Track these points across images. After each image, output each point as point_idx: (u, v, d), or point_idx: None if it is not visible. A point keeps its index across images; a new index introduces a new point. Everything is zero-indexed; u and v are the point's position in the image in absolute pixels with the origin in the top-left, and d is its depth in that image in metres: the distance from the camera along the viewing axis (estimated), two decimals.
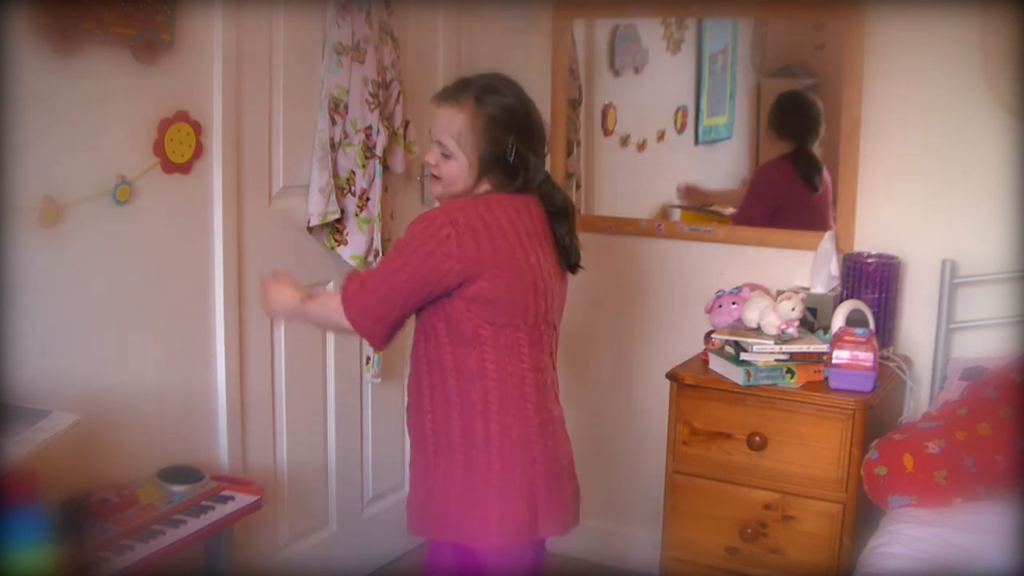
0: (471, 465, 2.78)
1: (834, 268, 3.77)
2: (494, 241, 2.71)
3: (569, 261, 2.93)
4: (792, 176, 4.13)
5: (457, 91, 2.82)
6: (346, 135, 3.80)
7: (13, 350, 2.82)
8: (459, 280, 2.69)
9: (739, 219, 4.20)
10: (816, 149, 4.04)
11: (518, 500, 2.78)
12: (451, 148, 2.78)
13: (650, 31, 4.29)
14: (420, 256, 2.69)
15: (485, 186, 2.81)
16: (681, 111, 4.32)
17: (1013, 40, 3.49)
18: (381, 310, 2.75)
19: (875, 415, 3.43)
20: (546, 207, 2.86)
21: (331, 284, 3.98)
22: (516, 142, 2.77)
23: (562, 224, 2.90)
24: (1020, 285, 3.64)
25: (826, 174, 3.98)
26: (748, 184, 4.27)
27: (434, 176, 2.88)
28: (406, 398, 2.96)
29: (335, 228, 3.86)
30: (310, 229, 3.80)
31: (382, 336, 2.79)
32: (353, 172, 3.83)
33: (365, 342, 4.04)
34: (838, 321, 3.56)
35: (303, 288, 3.01)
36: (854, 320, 3.58)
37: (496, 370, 2.76)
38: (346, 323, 2.77)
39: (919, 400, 3.77)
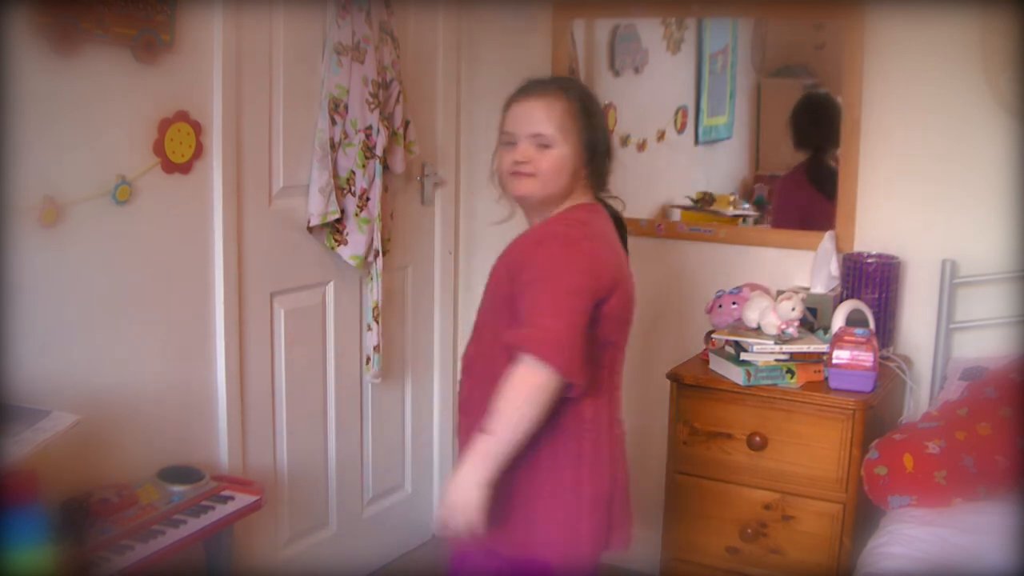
0: (563, 480, 2.68)
1: (834, 268, 3.78)
2: (615, 254, 2.70)
3: None
4: (806, 187, 4.13)
5: (540, 86, 2.74)
6: (346, 135, 3.80)
7: (13, 350, 2.82)
8: (607, 294, 2.59)
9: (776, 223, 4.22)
10: (832, 158, 3.99)
11: (602, 515, 2.73)
12: (552, 136, 2.65)
13: (650, 31, 4.29)
14: (578, 273, 2.54)
15: (580, 182, 2.72)
16: (681, 111, 4.32)
17: (1013, 40, 3.49)
18: (572, 340, 2.48)
19: (875, 415, 3.44)
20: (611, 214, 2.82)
21: (331, 284, 3.98)
22: (606, 134, 2.76)
23: (622, 233, 2.86)
24: (1020, 285, 3.64)
25: None
26: (772, 199, 4.27)
27: (524, 175, 2.67)
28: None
29: (335, 228, 3.86)
30: (310, 229, 3.80)
31: (581, 371, 2.50)
32: (353, 172, 3.83)
33: (377, 336, 4.06)
34: (838, 321, 3.56)
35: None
36: (854, 320, 3.58)
37: (595, 389, 2.68)
38: (541, 380, 2.45)
39: (919, 400, 3.77)
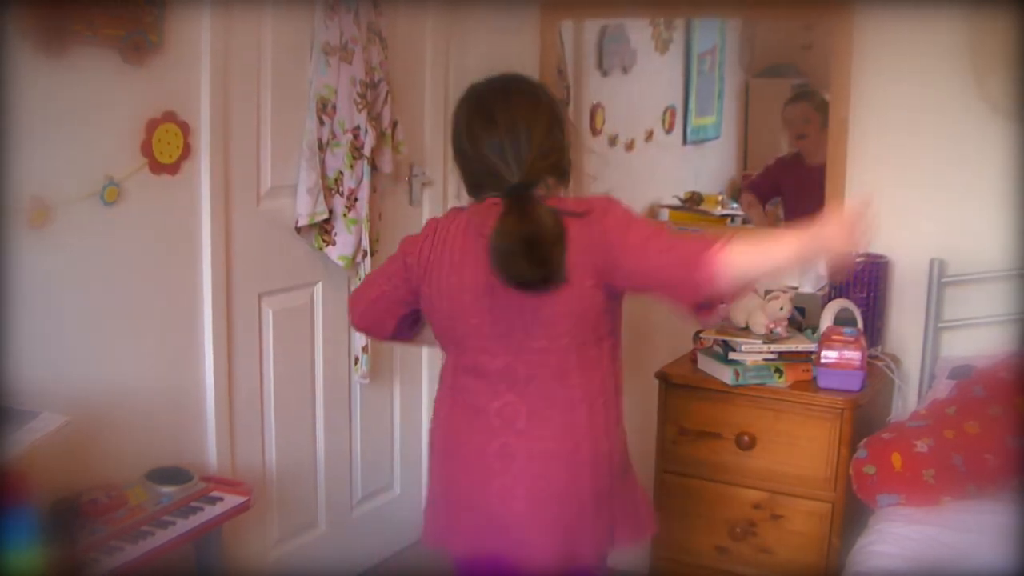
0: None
1: (822, 267, 3.78)
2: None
3: None
4: (800, 166, 4.13)
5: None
6: (334, 135, 3.80)
7: (4, 351, 2.82)
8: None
9: (749, 184, 4.24)
10: None
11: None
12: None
13: (638, 31, 4.29)
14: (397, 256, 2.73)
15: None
16: (669, 111, 4.33)
17: (1002, 41, 3.50)
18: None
19: (863, 414, 3.44)
20: None
21: (319, 284, 3.98)
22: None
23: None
24: (1008, 284, 3.65)
25: None
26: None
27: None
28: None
29: (323, 228, 3.86)
30: (298, 229, 3.79)
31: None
32: (341, 172, 3.83)
33: (365, 337, 4.06)
34: (826, 320, 3.57)
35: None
36: (842, 319, 3.59)
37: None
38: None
39: (907, 399, 3.78)
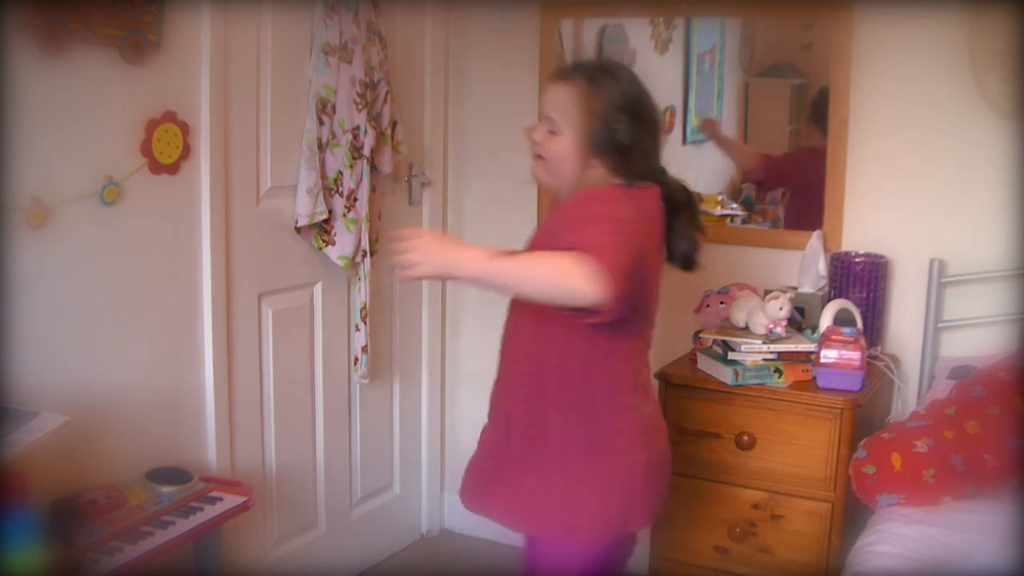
0: None
1: (822, 267, 3.78)
2: (652, 229, 2.67)
3: (687, 257, 2.82)
4: (816, 164, 4.11)
5: (571, 71, 2.71)
6: (334, 135, 3.80)
7: (3, 352, 2.82)
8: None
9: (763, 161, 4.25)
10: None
11: None
12: (559, 124, 2.63)
13: (638, 31, 4.29)
14: (628, 216, 2.52)
15: (597, 170, 2.66)
16: (669, 111, 4.31)
17: (1001, 40, 3.50)
18: (626, 262, 2.37)
19: (863, 414, 3.44)
20: (666, 200, 2.72)
21: (319, 284, 3.98)
22: (630, 125, 2.64)
23: (683, 217, 2.77)
24: (1008, 284, 3.65)
25: None
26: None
27: (538, 156, 2.70)
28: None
29: (323, 229, 3.85)
30: (298, 230, 3.79)
31: (624, 295, 2.37)
32: (341, 172, 3.83)
33: (365, 337, 4.05)
34: (826, 320, 3.57)
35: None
36: (842, 319, 3.58)
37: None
38: (580, 280, 2.28)
39: (907, 399, 3.78)
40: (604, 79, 2.67)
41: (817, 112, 3.98)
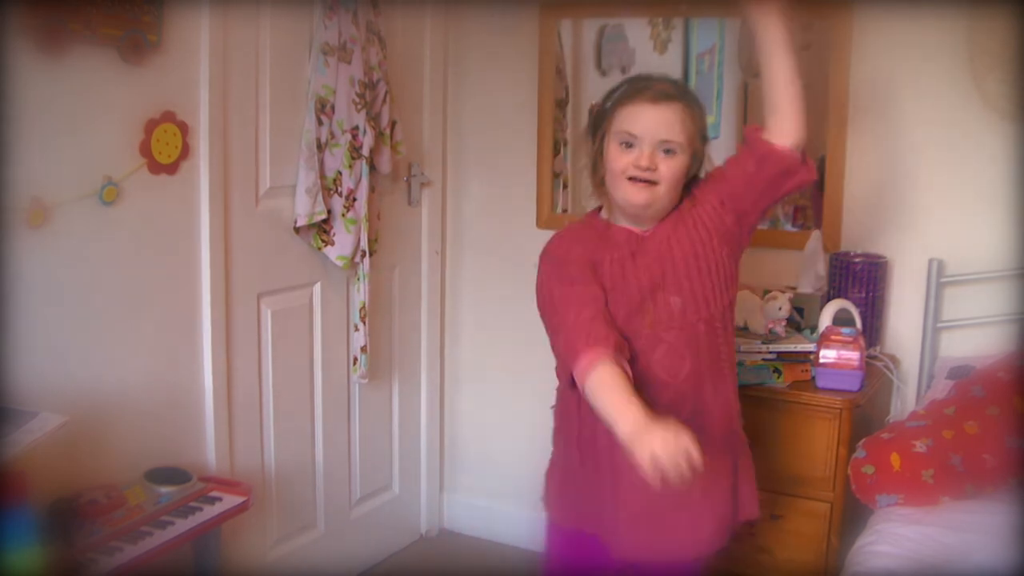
0: None
1: (821, 268, 3.78)
2: None
3: None
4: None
5: (666, 90, 2.70)
6: (333, 135, 3.80)
7: (3, 352, 2.82)
8: None
9: None
10: None
11: None
12: (680, 145, 2.65)
13: (637, 31, 4.28)
14: None
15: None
16: None
17: (1000, 41, 3.50)
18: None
19: (862, 414, 3.44)
20: None
21: (318, 284, 3.98)
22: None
23: None
24: (1007, 284, 3.65)
25: None
26: None
27: (645, 182, 2.64)
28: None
29: (322, 229, 3.85)
30: (297, 230, 3.79)
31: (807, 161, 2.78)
32: (340, 173, 3.83)
33: (364, 336, 4.05)
34: (825, 320, 3.57)
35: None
36: (841, 319, 3.58)
37: None
38: (804, 121, 2.76)
39: (906, 399, 3.78)
40: (696, 98, 2.78)
41: None
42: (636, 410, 2.37)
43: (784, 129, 2.68)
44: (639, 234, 2.74)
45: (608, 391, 2.45)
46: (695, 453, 2.26)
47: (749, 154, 2.73)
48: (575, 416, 2.79)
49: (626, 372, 2.49)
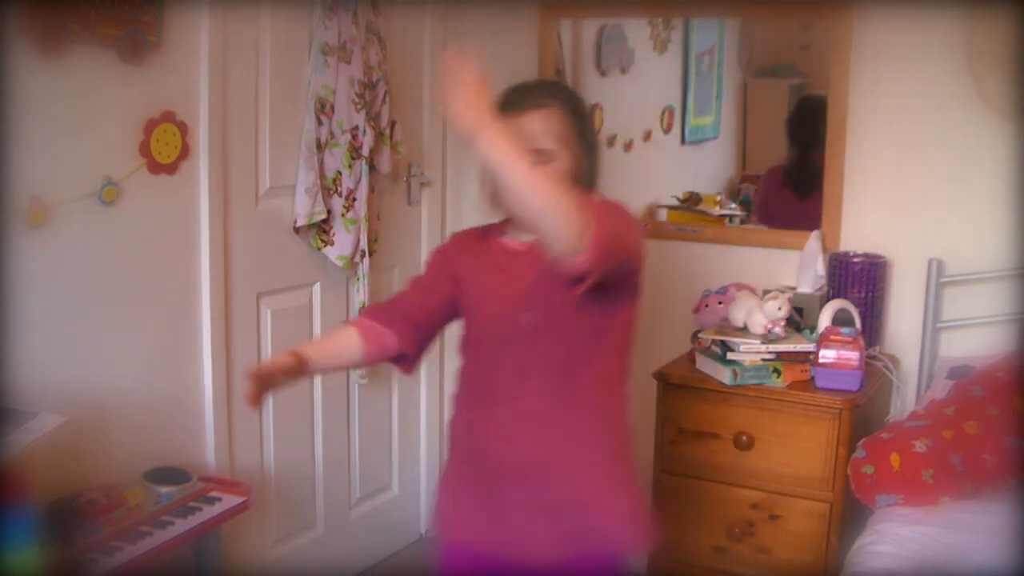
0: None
1: (820, 267, 3.78)
2: None
3: None
4: (778, 180, 4.16)
5: (532, 96, 2.60)
6: (332, 136, 3.80)
7: (2, 352, 2.82)
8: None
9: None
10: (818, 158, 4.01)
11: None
12: (554, 150, 2.54)
13: (637, 31, 4.29)
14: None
15: (578, 185, 2.59)
16: (668, 111, 4.32)
17: (999, 41, 3.50)
18: (621, 237, 2.38)
19: (862, 414, 3.44)
20: None
21: (318, 284, 3.98)
22: (594, 135, 2.69)
23: None
24: (1006, 284, 3.65)
25: None
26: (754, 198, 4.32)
27: None
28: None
29: (321, 229, 3.86)
30: (296, 230, 3.79)
31: (604, 261, 2.29)
32: (340, 173, 3.83)
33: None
34: (824, 320, 3.57)
35: None
36: (840, 319, 3.59)
37: None
38: (570, 221, 2.21)
39: (906, 399, 3.78)
40: (570, 95, 2.67)
41: None
42: (295, 350, 2.49)
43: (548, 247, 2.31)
44: (513, 248, 2.66)
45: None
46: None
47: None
48: (459, 425, 2.76)
49: (360, 337, 2.60)
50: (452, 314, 2.72)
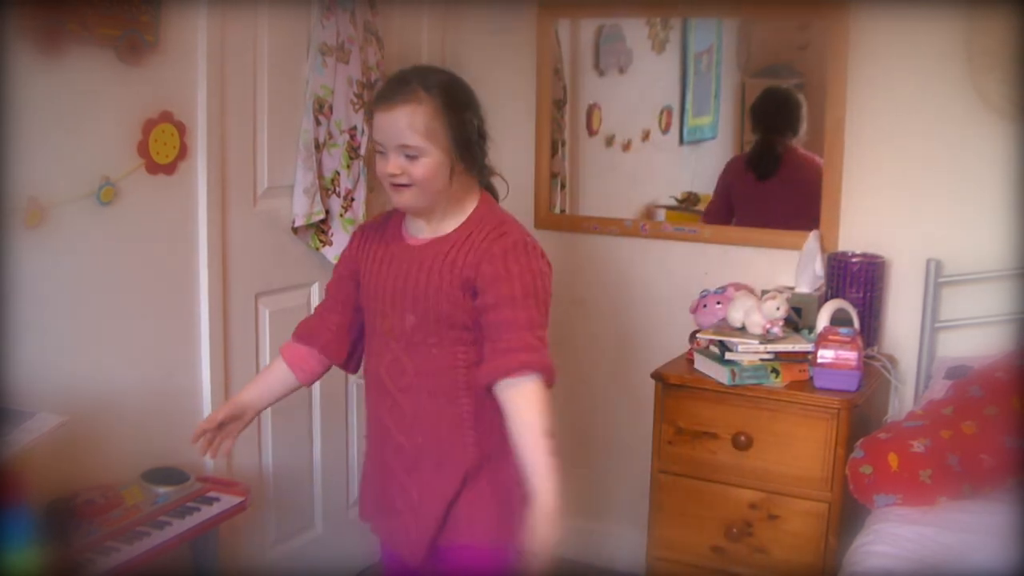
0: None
1: (819, 267, 3.78)
2: None
3: None
4: (740, 165, 4.18)
5: (401, 89, 2.58)
6: (331, 136, 3.80)
7: (1, 352, 2.82)
8: None
9: (707, 217, 4.24)
10: (795, 145, 4.09)
11: None
12: (420, 146, 2.53)
13: (635, 31, 4.29)
14: (547, 279, 2.61)
15: (458, 177, 2.61)
16: (666, 111, 4.32)
17: (998, 40, 3.50)
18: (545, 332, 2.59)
19: (860, 414, 3.44)
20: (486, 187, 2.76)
21: (316, 285, 3.98)
22: (477, 118, 2.64)
23: None
24: (1005, 284, 3.65)
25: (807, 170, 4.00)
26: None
27: (400, 185, 2.57)
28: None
29: (320, 229, 3.86)
30: (295, 230, 3.79)
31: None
32: (338, 173, 3.83)
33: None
34: (823, 320, 3.57)
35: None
36: (839, 319, 3.59)
37: None
38: (546, 395, 2.51)
39: (904, 399, 3.78)
40: (443, 84, 2.63)
41: None
42: (233, 399, 2.85)
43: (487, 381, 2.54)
44: (409, 242, 2.68)
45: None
46: None
47: (494, 332, 2.55)
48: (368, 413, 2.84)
49: (288, 368, 2.81)
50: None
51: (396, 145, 2.54)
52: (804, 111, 4.01)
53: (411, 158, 2.54)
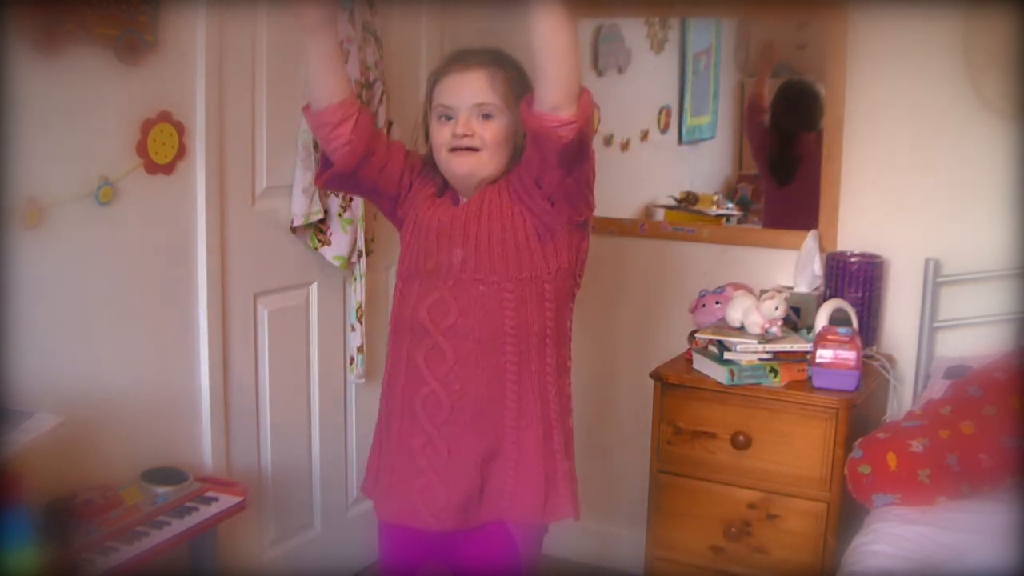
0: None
1: (817, 267, 3.78)
2: None
3: None
4: (761, 171, 4.17)
5: (479, 54, 2.63)
6: None
7: (0, 352, 2.83)
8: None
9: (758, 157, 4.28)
10: (814, 142, 4.03)
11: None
12: (499, 104, 2.56)
13: (633, 31, 4.29)
14: None
15: (514, 159, 2.62)
16: (664, 111, 4.32)
17: (997, 40, 3.50)
18: (591, 122, 2.48)
19: (859, 414, 3.44)
20: None
21: (315, 284, 3.98)
22: None
23: None
24: (1003, 284, 3.65)
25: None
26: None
27: (467, 149, 2.58)
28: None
29: (318, 228, 3.85)
30: (293, 230, 3.79)
31: (585, 126, 2.43)
32: None
33: (361, 337, 4.04)
34: (821, 320, 3.57)
35: None
36: (837, 319, 3.59)
37: None
38: (574, 71, 2.37)
39: (903, 399, 3.78)
40: (515, 62, 2.66)
41: None
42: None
43: (542, 94, 2.39)
44: (460, 203, 2.69)
45: None
46: None
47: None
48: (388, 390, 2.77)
49: (341, 97, 2.68)
50: (381, 185, 2.77)
51: (472, 104, 2.57)
52: (822, 101, 3.94)
53: (486, 118, 2.58)
